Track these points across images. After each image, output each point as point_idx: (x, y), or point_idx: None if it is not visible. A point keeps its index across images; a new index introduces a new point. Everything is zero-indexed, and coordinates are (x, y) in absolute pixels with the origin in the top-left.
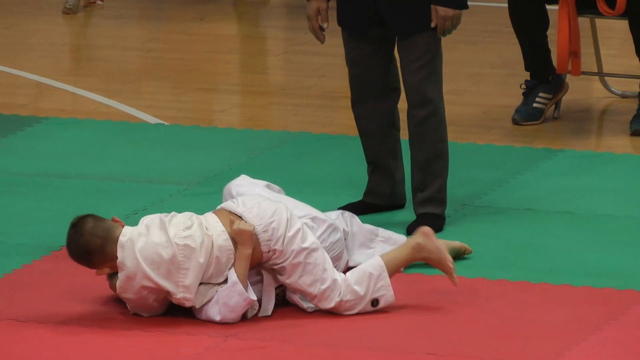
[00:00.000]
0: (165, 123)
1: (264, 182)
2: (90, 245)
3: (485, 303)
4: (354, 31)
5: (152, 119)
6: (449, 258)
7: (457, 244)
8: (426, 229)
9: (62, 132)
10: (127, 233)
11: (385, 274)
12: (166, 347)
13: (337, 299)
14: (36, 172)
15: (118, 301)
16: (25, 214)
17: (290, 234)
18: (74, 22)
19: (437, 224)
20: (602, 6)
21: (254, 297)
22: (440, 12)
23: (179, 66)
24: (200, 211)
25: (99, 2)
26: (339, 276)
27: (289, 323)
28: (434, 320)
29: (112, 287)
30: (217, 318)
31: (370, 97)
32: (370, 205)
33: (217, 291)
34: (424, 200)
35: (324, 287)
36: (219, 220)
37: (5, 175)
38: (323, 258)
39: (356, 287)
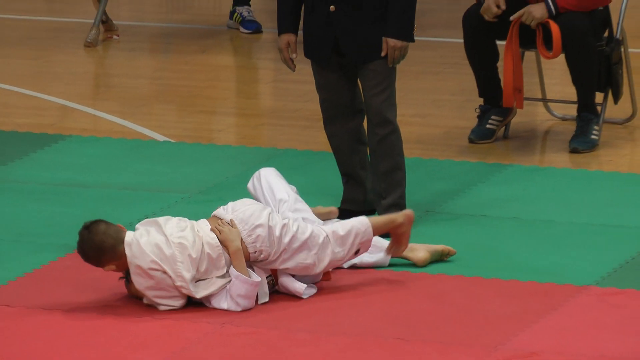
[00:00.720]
0: (172, 140)
1: (285, 181)
2: (104, 244)
3: (445, 295)
4: (319, 61)
5: (160, 137)
6: (405, 246)
7: (440, 247)
8: (410, 214)
9: (83, 148)
10: (130, 235)
11: (370, 229)
12: (172, 332)
13: (330, 254)
14: (61, 182)
15: (131, 301)
16: (52, 218)
17: (276, 234)
18: (93, 54)
19: None
20: (542, 51)
21: (258, 278)
22: (390, 43)
23: (183, 92)
24: (201, 215)
25: (115, 37)
26: (327, 231)
27: (278, 311)
28: (402, 310)
29: (130, 291)
30: (225, 306)
31: (339, 118)
32: (347, 212)
33: (219, 285)
34: (388, 206)
35: (314, 252)
36: (209, 225)
37: (35, 185)
38: (305, 229)
39: (343, 234)
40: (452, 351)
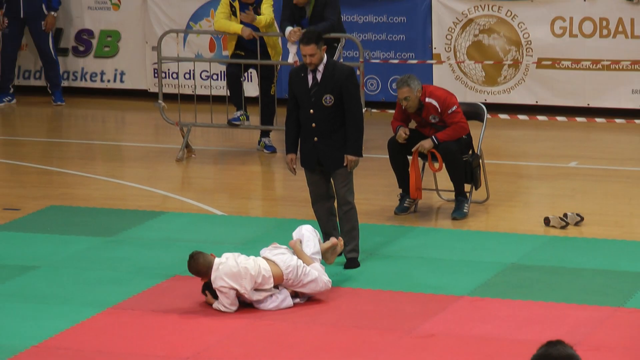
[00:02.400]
0: (225, 214)
1: (281, 246)
2: (201, 267)
3: (377, 301)
4: (308, 168)
5: (219, 212)
6: (330, 251)
7: (327, 244)
8: (334, 241)
9: (175, 219)
10: (216, 262)
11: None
12: (223, 322)
13: (320, 280)
14: (164, 238)
15: (205, 305)
16: (158, 257)
17: (299, 272)
18: (181, 165)
19: (356, 264)
20: (431, 166)
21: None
22: (349, 157)
23: (232, 185)
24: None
25: (193, 155)
26: (317, 269)
27: (293, 311)
28: (354, 310)
29: (208, 301)
30: (270, 307)
31: (319, 201)
32: None
33: (265, 295)
34: (349, 251)
35: (315, 284)
36: (265, 261)
37: (147, 240)
38: (312, 273)
39: (320, 268)
40: (385, 334)
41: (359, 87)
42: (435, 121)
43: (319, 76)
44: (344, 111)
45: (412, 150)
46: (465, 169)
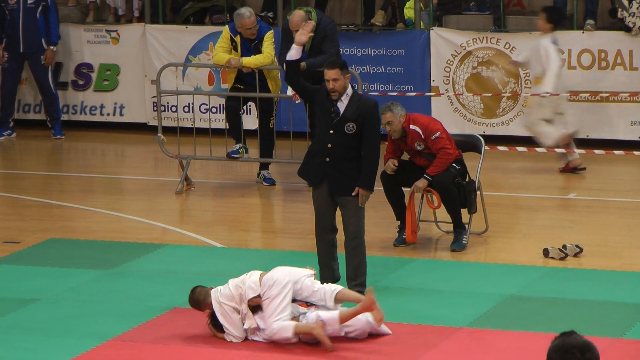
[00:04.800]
0: (225, 247)
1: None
2: (199, 298)
3: (377, 331)
4: (312, 183)
5: (218, 245)
6: (326, 341)
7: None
8: (320, 323)
9: (175, 251)
10: (212, 292)
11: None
12: (224, 354)
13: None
14: (163, 271)
15: (206, 336)
16: (159, 290)
17: (272, 288)
18: (180, 198)
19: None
20: (429, 204)
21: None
22: (361, 191)
23: (231, 218)
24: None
25: (192, 188)
26: (281, 324)
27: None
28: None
29: (213, 332)
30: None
31: (322, 233)
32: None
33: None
34: (355, 285)
35: (271, 318)
36: (258, 275)
37: (147, 272)
38: (280, 309)
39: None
40: None
41: (380, 122)
42: (421, 148)
43: (345, 103)
44: (362, 143)
45: (409, 192)
46: (459, 193)
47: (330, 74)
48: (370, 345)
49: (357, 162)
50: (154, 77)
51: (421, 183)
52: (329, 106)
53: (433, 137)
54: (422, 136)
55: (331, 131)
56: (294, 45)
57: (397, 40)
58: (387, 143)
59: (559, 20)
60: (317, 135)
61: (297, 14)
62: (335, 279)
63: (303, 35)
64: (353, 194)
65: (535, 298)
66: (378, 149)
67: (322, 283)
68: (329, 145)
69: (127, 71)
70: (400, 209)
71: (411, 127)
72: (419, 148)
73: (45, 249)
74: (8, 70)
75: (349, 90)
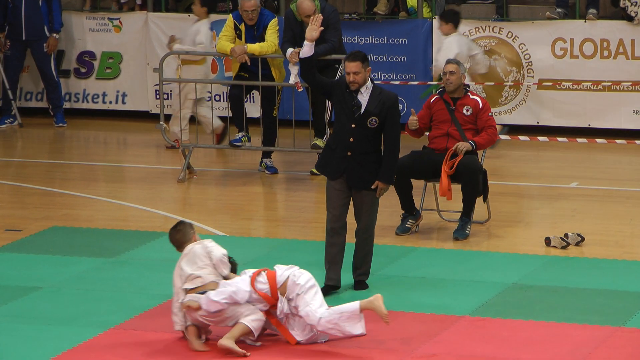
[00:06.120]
0: (227, 235)
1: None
2: (177, 236)
3: (379, 321)
4: (331, 177)
5: (220, 233)
6: (384, 312)
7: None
8: (378, 296)
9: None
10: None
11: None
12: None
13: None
14: (164, 259)
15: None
16: (159, 277)
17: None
18: (182, 186)
19: (365, 286)
20: (445, 190)
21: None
22: (380, 185)
23: (233, 207)
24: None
25: (194, 176)
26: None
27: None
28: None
29: (191, 345)
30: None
31: (335, 235)
32: (328, 287)
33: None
34: (360, 274)
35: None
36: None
37: (148, 260)
38: (232, 283)
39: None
40: (387, 354)
41: (400, 115)
42: (469, 114)
43: (366, 97)
44: (383, 136)
45: (448, 150)
46: (480, 180)
47: (351, 66)
48: (371, 333)
49: (377, 155)
50: (157, 65)
51: (464, 145)
52: (349, 99)
53: (490, 113)
54: (480, 106)
55: (353, 125)
56: (305, 42)
57: (399, 29)
58: (405, 132)
59: (457, 21)
60: (337, 129)
61: (306, 1)
62: (337, 286)
63: (314, 30)
64: (372, 187)
65: (537, 287)
66: (399, 143)
67: (325, 284)
68: (351, 139)
69: (129, 59)
70: (407, 199)
71: (472, 96)
72: (467, 113)
73: (47, 237)
74: (10, 58)
75: (369, 84)
